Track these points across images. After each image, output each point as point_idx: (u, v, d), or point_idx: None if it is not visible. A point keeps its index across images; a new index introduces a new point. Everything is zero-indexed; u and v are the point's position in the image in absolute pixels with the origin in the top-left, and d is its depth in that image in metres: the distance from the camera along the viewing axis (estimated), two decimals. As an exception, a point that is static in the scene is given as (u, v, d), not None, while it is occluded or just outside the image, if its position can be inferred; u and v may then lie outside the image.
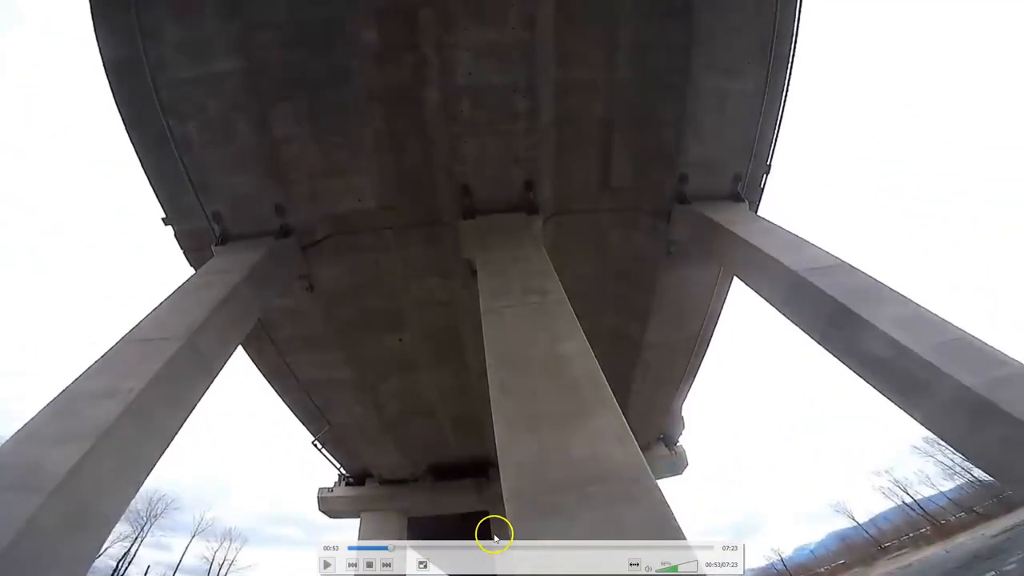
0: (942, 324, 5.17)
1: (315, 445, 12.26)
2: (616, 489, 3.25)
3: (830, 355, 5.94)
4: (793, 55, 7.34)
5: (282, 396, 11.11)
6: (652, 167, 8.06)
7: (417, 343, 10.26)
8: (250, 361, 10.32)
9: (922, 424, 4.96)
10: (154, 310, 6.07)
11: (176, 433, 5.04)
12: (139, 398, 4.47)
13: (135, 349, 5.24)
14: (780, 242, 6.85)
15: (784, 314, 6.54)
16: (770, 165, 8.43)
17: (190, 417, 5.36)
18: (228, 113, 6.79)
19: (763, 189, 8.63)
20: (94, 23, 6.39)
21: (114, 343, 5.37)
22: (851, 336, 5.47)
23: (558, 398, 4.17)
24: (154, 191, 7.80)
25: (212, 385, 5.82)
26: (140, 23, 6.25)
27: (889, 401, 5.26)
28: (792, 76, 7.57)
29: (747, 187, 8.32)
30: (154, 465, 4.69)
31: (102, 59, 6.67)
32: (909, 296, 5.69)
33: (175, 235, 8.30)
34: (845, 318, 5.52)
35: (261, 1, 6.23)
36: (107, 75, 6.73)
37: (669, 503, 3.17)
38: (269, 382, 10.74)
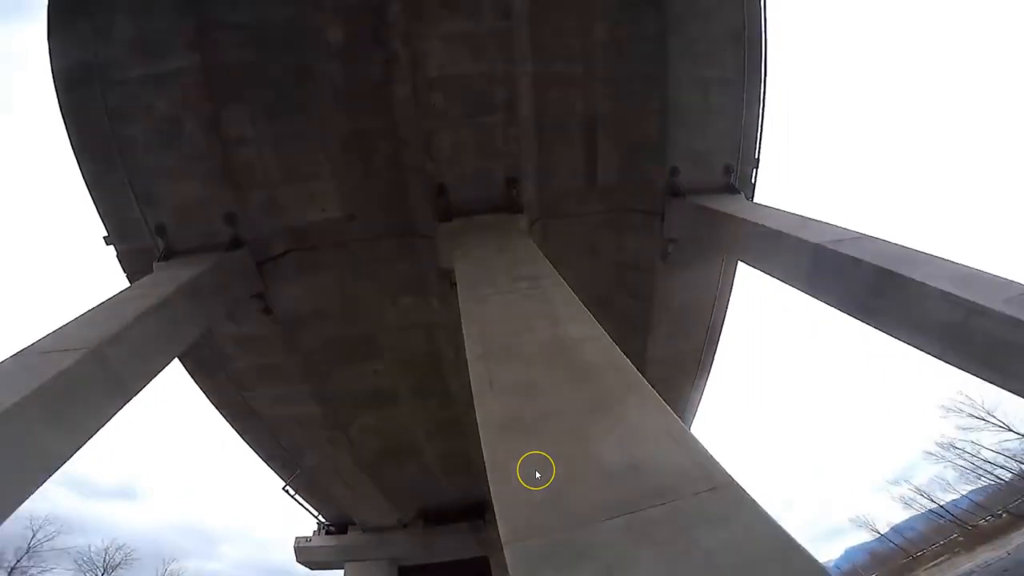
0: (1001, 280, 4.09)
1: (287, 491, 10.16)
2: (687, 508, 1.81)
3: (873, 329, 4.75)
4: (765, 41, 7.18)
5: (244, 436, 9.23)
6: (640, 162, 7.25)
7: (394, 373, 8.76)
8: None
9: (1016, 392, 3.70)
10: (64, 324, 4.57)
11: (68, 456, 4.15)
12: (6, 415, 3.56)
13: (26, 362, 4.35)
14: (791, 221, 5.93)
15: (808, 292, 5.50)
16: (759, 159, 7.58)
17: (90, 439, 4.45)
18: (177, 113, 6.30)
19: (754, 185, 7.79)
20: (49, 32, 5.94)
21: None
22: (902, 303, 4.37)
23: (570, 389, 2.78)
24: (95, 205, 6.62)
25: (125, 406, 4.88)
26: (95, 24, 5.85)
27: (964, 371, 4.08)
28: (768, 64, 6.83)
29: (738, 181, 7.40)
30: (28, 493, 3.83)
31: (52, 71, 6.13)
32: (948, 258, 4.58)
33: (117, 256, 6.84)
34: (890, 284, 4.46)
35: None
36: (55, 86, 6.17)
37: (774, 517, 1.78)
38: (229, 422, 8.91)
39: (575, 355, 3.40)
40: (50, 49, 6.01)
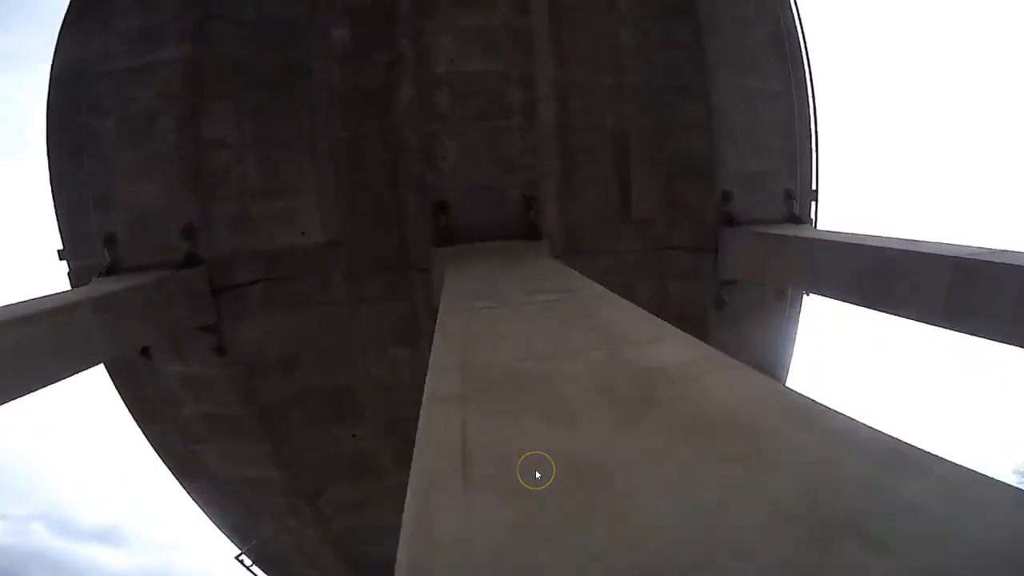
0: None
1: (240, 561, 7.57)
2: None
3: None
4: (806, 50, 6.43)
5: (191, 495, 7.12)
6: (684, 186, 6.00)
7: (377, 439, 6.73)
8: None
9: None
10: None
11: None
12: None
13: None
14: (901, 243, 4.22)
15: (949, 325, 3.60)
16: (817, 187, 6.20)
17: None
18: (155, 107, 5.68)
19: (815, 222, 6.25)
20: (61, 30, 5.77)
21: None
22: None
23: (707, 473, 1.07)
24: (55, 212, 5.97)
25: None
26: (100, 17, 5.64)
27: None
28: (812, 75, 5.92)
29: (801, 211, 5.98)
30: None
31: (51, 73, 5.85)
32: None
33: (68, 275, 5.73)
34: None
35: None
36: (48, 88, 5.83)
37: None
38: (177, 479, 6.92)
39: (681, 396, 1.68)
40: (56, 48, 5.79)
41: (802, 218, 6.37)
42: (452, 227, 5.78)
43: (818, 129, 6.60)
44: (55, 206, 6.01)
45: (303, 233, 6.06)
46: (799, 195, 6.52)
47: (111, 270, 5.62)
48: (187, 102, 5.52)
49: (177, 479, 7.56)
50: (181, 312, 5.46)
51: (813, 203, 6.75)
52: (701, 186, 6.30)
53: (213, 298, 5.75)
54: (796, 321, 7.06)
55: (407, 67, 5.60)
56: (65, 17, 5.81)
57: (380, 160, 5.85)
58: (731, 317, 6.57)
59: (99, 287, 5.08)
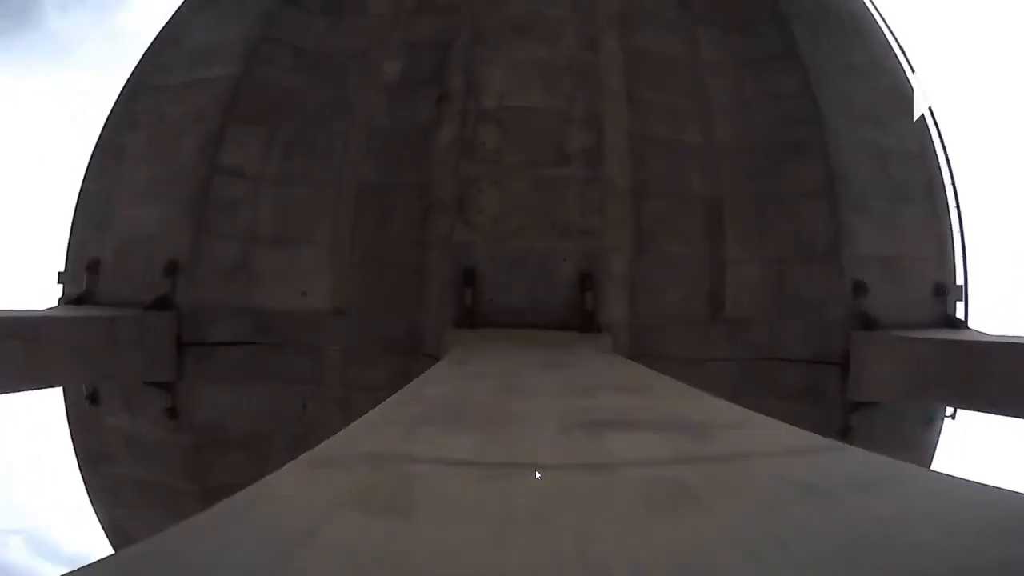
0: None
1: None
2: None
3: None
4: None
5: None
6: (798, 274, 4.34)
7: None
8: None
9: None
10: None
11: None
12: None
13: None
14: None
15: None
16: (965, 283, 4.33)
17: None
18: (183, 123, 5.20)
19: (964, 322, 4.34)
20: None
21: None
22: None
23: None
24: (70, 230, 5.58)
25: None
26: (182, 35, 5.68)
27: None
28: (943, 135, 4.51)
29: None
30: None
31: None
32: None
33: (58, 300, 5.11)
34: None
35: (296, 21, 5.37)
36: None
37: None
38: (110, 541, 5.52)
39: None
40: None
41: (956, 321, 4.49)
42: (480, 305, 4.34)
43: (960, 203, 4.82)
44: (71, 225, 5.61)
45: (305, 294, 4.98)
46: (950, 289, 4.66)
47: (81, 299, 4.82)
48: (216, 122, 5.00)
49: (110, 542, 6.18)
50: (133, 361, 4.37)
51: (961, 302, 4.79)
52: (822, 273, 4.47)
53: (178, 352, 4.66)
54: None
55: (454, 101, 4.72)
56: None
57: (409, 215, 4.77)
58: (861, 448, 4.27)
59: (48, 312, 4.23)
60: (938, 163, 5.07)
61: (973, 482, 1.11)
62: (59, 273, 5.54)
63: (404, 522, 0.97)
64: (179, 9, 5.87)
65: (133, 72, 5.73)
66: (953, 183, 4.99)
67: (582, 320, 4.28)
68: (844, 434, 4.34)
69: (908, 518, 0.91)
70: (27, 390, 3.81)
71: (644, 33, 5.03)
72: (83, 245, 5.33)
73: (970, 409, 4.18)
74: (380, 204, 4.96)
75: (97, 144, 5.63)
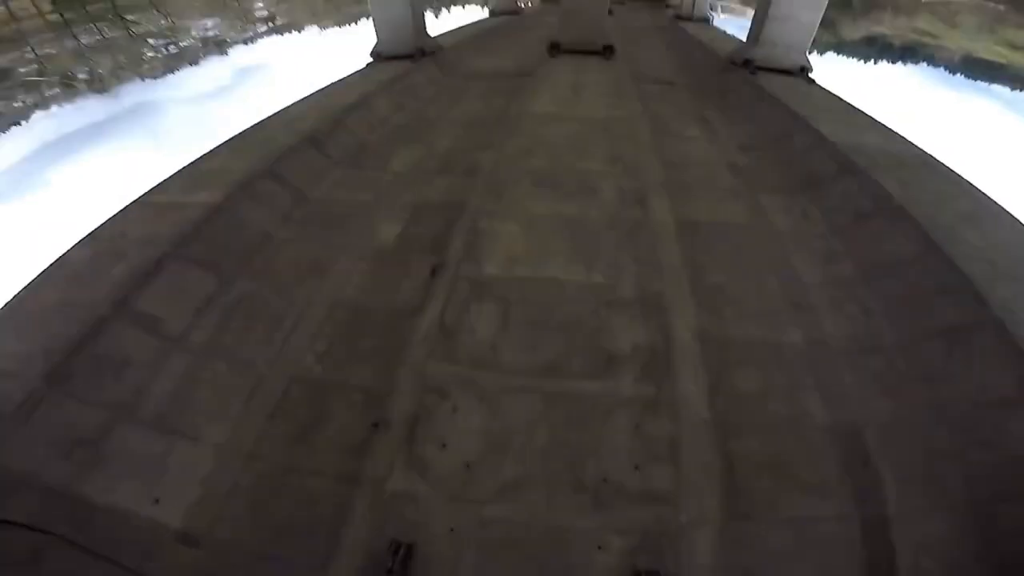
0: None
1: None
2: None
3: None
4: None
5: None
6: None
7: None
8: None
9: None
10: None
11: None
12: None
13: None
14: None
15: None
16: None
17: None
18: (121, 245, 3.37)
19: None
20: None
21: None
22: None
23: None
24: None
25: None
26: None
27: None
28: None
29: None
30: None
31: None
32: None
33: None
34: None
35: (312, 165, 4.47)
36: None
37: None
38: None
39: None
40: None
41: None
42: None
43: None
44: None
45: (157, 501, 2.94)
46: None
47: None
48: (157, 251, 3.62)
49: None
50: None
51: None
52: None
53: None
54: None
55: (446, 272, 3.32)
56: None
57: (346, 430, 2.93)
58: None
59: None
60: None
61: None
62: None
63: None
64: None
65: None
66: None
67: None
68: None
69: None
70: None
71: (697, 202, 3.92)
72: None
73: None
74: (312, 407, 3.19)
75: None
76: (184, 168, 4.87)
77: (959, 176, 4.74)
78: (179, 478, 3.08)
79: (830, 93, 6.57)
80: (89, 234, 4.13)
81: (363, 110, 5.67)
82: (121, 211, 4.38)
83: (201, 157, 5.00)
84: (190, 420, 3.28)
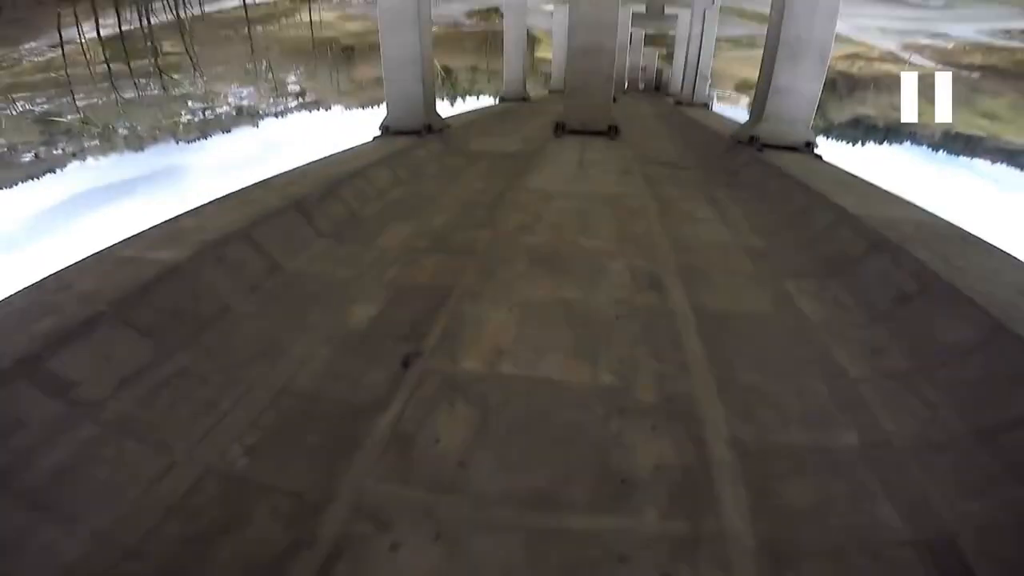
0: None
1: None
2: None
3: None
4: None
5: None
6: None
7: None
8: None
9: None
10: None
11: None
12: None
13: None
14: None
15: None
16: None
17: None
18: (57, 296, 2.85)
19: None
20: None
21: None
22: None
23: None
24: None
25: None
26: None
27: None
28: None
29: None
30: None
31: None
32: None
33: None
34: None
35: (296, 234, 4.01)
36: None
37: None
38: None
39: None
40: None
41: None
42: None
43: None
44: None
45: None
46: None
47: None
48: (90, 308, 3.09)
49: None
50: None
51: None
52: None
53: None
54: None
55: (417, 364, 2.77)
56: None
57: (264, 546, 2.26)
58: None
59: None
60: None
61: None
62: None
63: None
64: None
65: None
66: None
67: None
68: None
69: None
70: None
71: (715, 290, 3.46)
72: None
73: None
74: (225, 508, 2.46)
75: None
76: (162, 222, 4.54)
77: (1000, 248, 4.29)
78: (36, 563, 2.29)
79: (840, 168, 6.37)
80: (36, 282, 3.69)
81: (359, 180, 5.50)
82: (78, 262, 3.98)
83: (184, 212, 4.70)
84: (72, 499, 2.55)
